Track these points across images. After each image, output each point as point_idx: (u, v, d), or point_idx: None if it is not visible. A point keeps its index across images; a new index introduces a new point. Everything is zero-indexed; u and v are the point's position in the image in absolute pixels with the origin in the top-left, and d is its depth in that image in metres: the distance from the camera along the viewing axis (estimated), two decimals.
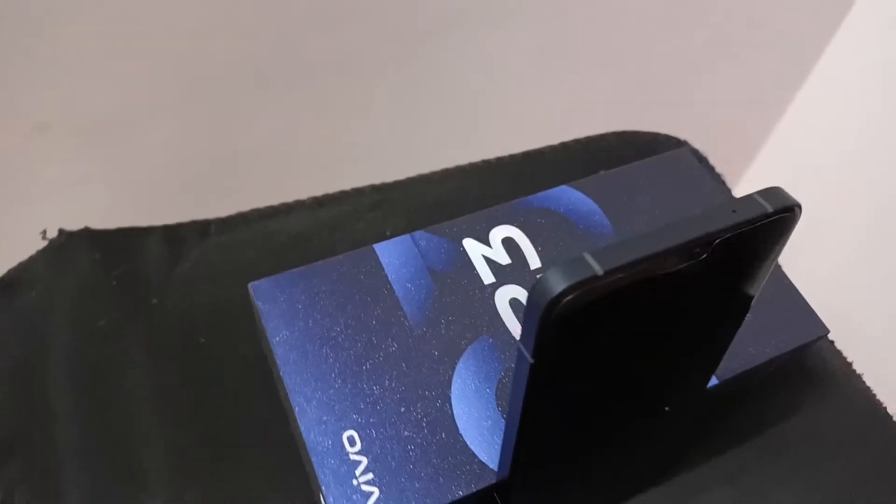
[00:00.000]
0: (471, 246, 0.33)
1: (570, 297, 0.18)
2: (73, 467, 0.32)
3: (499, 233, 0.34)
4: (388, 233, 0.41)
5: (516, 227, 0.34)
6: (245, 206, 0.42)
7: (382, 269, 0.32)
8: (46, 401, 0.34)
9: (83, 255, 0.38)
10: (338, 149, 0.53)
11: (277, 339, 0.30)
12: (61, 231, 0.39)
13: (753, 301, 0.30)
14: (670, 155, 0.38)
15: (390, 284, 0.32)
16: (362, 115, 0.53)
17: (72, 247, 0.39)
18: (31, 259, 0.38)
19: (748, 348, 0.31)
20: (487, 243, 0.33)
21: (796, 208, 0.20)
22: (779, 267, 0.34)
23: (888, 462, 0.35)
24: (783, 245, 0.21)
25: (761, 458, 0.34)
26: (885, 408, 0.38)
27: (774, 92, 0.71)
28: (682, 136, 0.48)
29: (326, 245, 0.40)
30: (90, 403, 0.34)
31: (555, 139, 0.47)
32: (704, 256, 0.19)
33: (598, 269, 0.18)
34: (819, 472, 0.34)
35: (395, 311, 0.31)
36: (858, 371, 0.40)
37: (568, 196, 0.35)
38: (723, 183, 0.46)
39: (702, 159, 0.47)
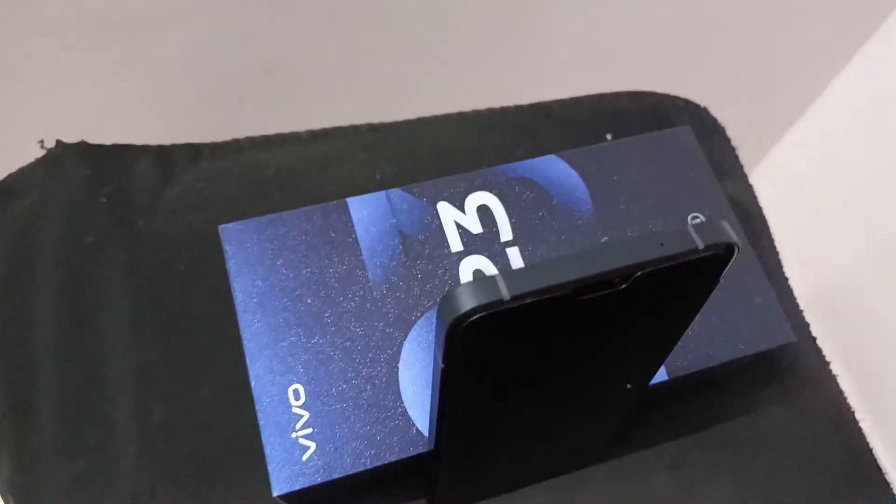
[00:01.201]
0: (444, 210, 0.33)
1: (476, 317, 0.18)
2: (45, 372, 0.34)
3: (475, 199, 0.33)
4: (377, 177, 0.40)
5: (494, 195, 0.33)
6: (242, 132, 0.42)
7: (352, 225, 0.32)
8: (28, 307, 0.36)
9: (77, 168, 0.39)
10: (341, 81, 0.52)
11: (239, 284, 0.31)
12: (58, 142, 0.40)
13: (719, 300, 0.29)
14: (670, 133, 0.36)
15: (357, 241, 0.32)
16: (371, 49, 0.51)
17: (67, 159, 0.39)
18: (28, 167, 0.39)
19: (705, 348, 0.31)
20: (462, 209, 0.33)
21: (735, 248, 0.19)
22: (757, 264, 0.33)
23: (835, 471, 0.35)
24: (716, 282, 0.21)
25: (706, 451, 0.34)
26: (853, 413, 0.38)
27: (813, 70, 0.67)
28: (704, 102, 0.46)
29: (313, 183, 0.40)
30: (67, 314, 0.35)
31: (566, 93, 0.45)
32: (624, 287, 0.19)
33: (506, 294, 0.18)
34: (759, 471, 0.34)
35: (357, 269, 0.31)
36: (835, 372, 0.39)
37: (553, 167, 0.34)
38: (736, 159, 0.44)
39: (718, 129, 0.45)
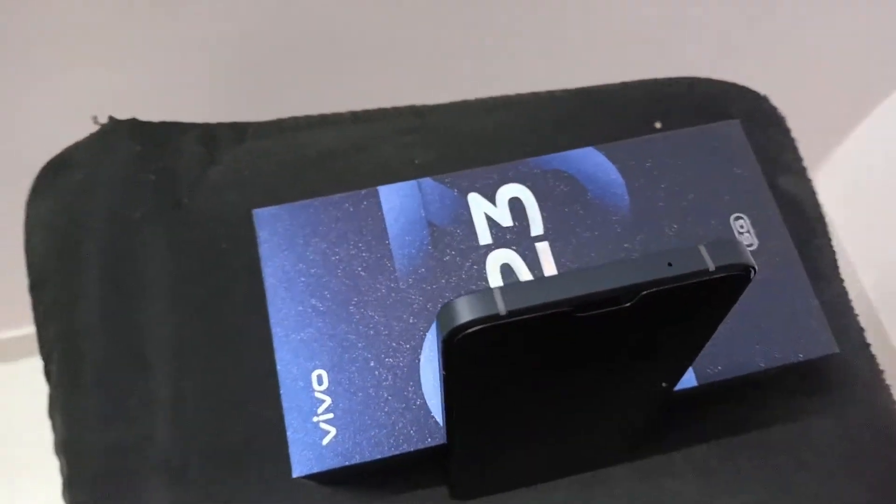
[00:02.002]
0: (475, 201, 0.32)
1: (472, 329, 0.17)
2: (91, 341, 0.36)
3: (507, 191, 0.33)
4: (416, 161, 0.40)
5: (526, 187, 0.33)
6: (287, 111, 0.42)
7: (382, 214, 0.32)
8: (77, 278, 0.38)
9: (127, 145, 0.40)
10: (387, 61, 0.52)
11: (270, 269, 0.31)
12: (110, 118, 0.41)
13: (755, 305, 0.28)
14: (717, 127, 0.34)
15: (386, 231, 0.32)
16: (419, 28, 0.51)
17: (118, 135, 0.41)
18: (82, 142, 0.41)
19: (738, 355, 0.30)
20: (493, 201, 0.32)
21: (751, 270, 0.18)
22: (801, 268, 0.32)
23: (874, 487, 0.33)
24: (733, 302, 0.20)
25: (737, 459, 0.33)
26: None
27: (886, 67, 0.62)
28: (766, 91, 0.44)
29: (352, 166, 0.40)
30: (112, 288, 0.37)
31: (618, 78, 0.43)
32: (629, 304, 0.18)
33: (502, 309, 0.17)
34: (792, 483, 0.33)
35: (385, 259, 0.31)
36: (888, 382, 0.37)
37: (590, 160, 0.33)
38: (795, 151, 0.42)
39: (777, 120, 0.43)
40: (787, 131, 0.42)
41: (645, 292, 0.18)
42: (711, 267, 0.18)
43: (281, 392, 0.29)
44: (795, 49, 0.55)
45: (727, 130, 0.34)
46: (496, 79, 0.43)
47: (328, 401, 0.29)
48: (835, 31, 0.58)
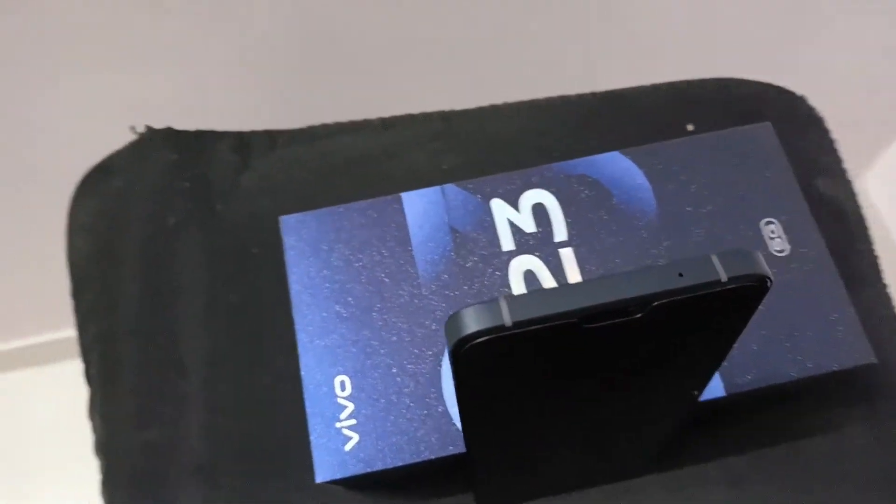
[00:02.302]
0: (498, 207, 0.32)
1: (479, 340, 0.17)
2: (128, 344, 0.37)
3: (531, 197, 0.32)
4: (443, 167, 0.40)
5: (550, 192, 0.32)
6: (319, 118, 0.43)
7: (405, 220, 0.32)
8: (116, 281, 0.39)
9: (163, 153, 0.42)
10: (416, 67, 0.52)
11: (295, 275, 0.32)
12: (148, 127, 0.42)
13: (787, 312, 0.27)
14: (748, 130, 0.33)
15: (409, 237, 0.32)
16: (448, 33, 0.51)
17: (154, 144, 0.42)
18: (122, 150, 0.42)
19: (769, 365, 0.29)
20: (516, 207, 0.32)
21: (767, 281, 0.18)
22: (835, 274, 0.31)
23: None
24: (751, 313, 0.19)
25: (771, 470, 0.32)
26: None
27: None
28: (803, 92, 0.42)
29: (380, 172, 0.40)
30: (149, 292, 0.38)
31: (649, 80, 0.43)
32: (639, 316, 0.18)
33: (508, 320, 0.17)
34: (828, 497, 0.32)
35: (408, 265, 0.31)
36: None
37: (616, 164, 0.33)
38: (835, 153, 0.41)
39: (815, 121, 0.41)
40: (825, 132, 0.41)
41: (656, 303, 0.17)
42: (724, 278, 0.17)
43: (305, 397, 0.30)
44: (838, 47, 0.53)
45: (758, 133, 0.33)
46: (524, 82, 0.43)
47: (351, 407, 0.29)
48: (882, 25, 0.56)
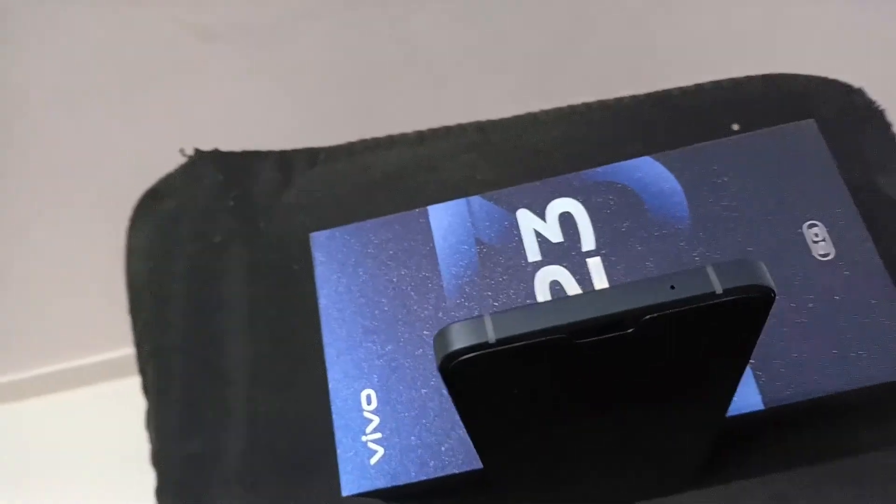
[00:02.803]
0: (524, 218, 0.32)
1: (465, 357, 0.17)
2: (177, 358, 0.39)
3: (557, 206, 0.32)
4: (478, 177, 0.40)
5: (578, 201, 0.32)
6: (358, 134, 0.44)
7: (431, 234, 0.32)
8: (167, 298, 0.40)
9: (211, 174, 0.43)
10: (453, 79, 0.52)
11: (325, 291, 0.32)
12: (196, 150, 0.44)
13: (833, 319, 0.26)
14: (789, 128, 0.32)
15: (434, 250, 0.32)
16: (484, 44, 0.50)
17: (202, 165, 0.44)
18: (172, 173, 0.44)
19: (812, 376, 0.27)
20: (543, 217, 0.32)
21: (770, 293, 0.17)
22: (887, 279, 0.28)
23: None
24: (758, 326, 0.18)
25: (820, 487, 0.30)
26: None
27: None
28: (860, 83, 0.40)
29: (416, 185, 0.41)
30: (196, 307, 0.40)
31: (691, 79, 0.41)
32: (632, 331, 0.17)
33: (492, 336, 0.17)
34: None
35: (433, 278, 0.31)
36: None
37: (647, 170, 0.32)
38: (892, 146, 0.38)
39: (875, 114, 0.39)
40: (887, 126, 0.38)
41: (648, 317, 0.17)
42: (719, 289, 0.16)
43: (332, 411, 0.30)
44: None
45: (800, 130, 0.32)
46: (562, 89, 0.42)
47: (376, 420, 0.29)
48: None
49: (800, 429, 0.31)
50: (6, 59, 0.49)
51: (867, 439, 0.31)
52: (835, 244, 0.29)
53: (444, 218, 0.32)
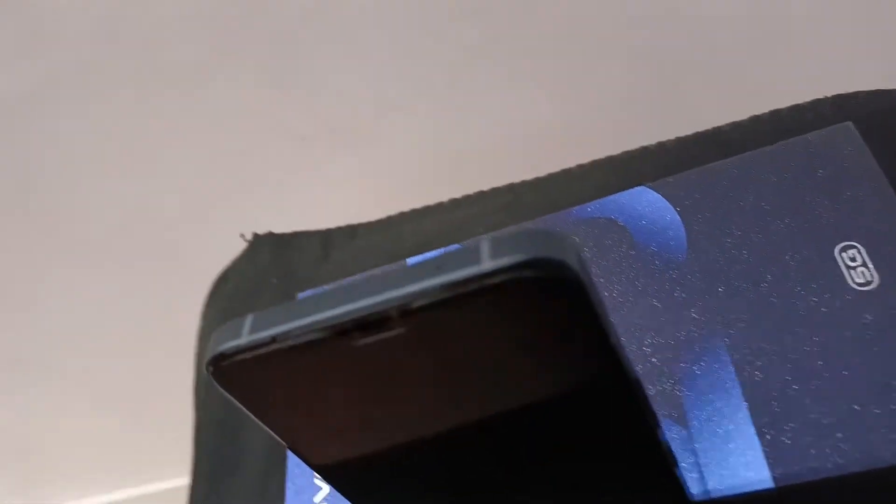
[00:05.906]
0: None
1: (229, 361, 0.15)
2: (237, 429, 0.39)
3: None
4: None
5: None
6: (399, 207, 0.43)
7: None
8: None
9: (264, 255, 0.45)
10: (487, 144, 0.50)
11: None
12: (254, 234, 0.46)
13: (871, 369, 0.21)
14: (817, 136, 0.26)
15: None
16: (518, 103, 0.49)
17: (259, 248, 0.45)
18: (237, 258, 0.47)
19: (845, 443, 0.21)
20: None
21: (568, 270, 0.13)
22: None
23: None
24: (580, 327, 0.14)
25: None
26: None
27: None
28: None
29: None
30: None
31: (749, 111, 0.36)
32: (404, 329, 0.14)
33: (243, 339, 0.15)
34: None
35: None
36: None
37: (641, 202, 0.28)
38: None
39: None
40: None
41: (416, 306, 0.14)
42: (489, 268, 0.13)
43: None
44: None
45: (834, 138, 0.26)
46: (596, 144, 0.39)
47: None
48: None
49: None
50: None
51: None
52: (877, 270, 0.23)
53: None
